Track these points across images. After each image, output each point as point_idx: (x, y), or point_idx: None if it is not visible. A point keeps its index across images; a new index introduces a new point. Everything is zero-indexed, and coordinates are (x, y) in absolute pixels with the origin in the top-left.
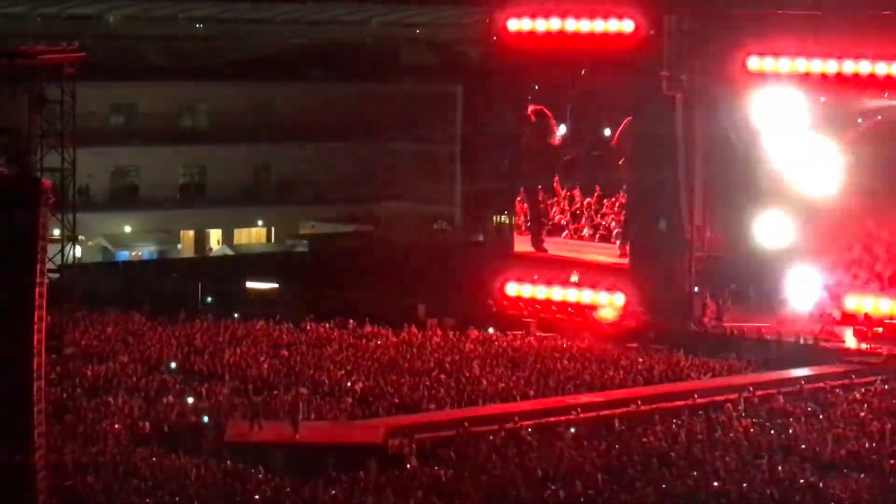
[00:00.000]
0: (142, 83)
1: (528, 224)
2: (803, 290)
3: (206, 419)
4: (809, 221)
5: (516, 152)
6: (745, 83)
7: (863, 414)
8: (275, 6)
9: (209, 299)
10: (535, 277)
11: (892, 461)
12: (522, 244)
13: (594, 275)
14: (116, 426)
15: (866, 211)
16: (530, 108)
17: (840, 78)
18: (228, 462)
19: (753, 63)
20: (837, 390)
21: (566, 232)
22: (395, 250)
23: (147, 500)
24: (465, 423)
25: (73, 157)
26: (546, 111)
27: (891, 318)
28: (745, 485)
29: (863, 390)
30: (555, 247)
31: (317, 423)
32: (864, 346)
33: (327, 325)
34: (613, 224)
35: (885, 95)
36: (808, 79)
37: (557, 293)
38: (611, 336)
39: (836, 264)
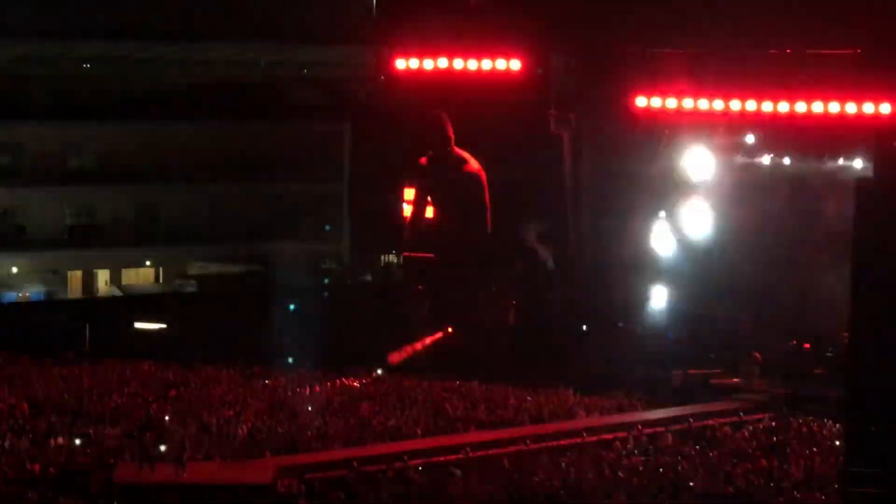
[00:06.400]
0: (28, 123)
1: None
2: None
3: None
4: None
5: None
6: (633, 122)
7: (751, 451)
8: (163, 45)
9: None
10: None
11: (781, 498)
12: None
13: None
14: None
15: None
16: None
17: (727, 117)
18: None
19: (640, 102)
20: (726, 427)
21: None
22: (284, 290)
23: None
24: (355, 463)
25: None
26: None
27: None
28: None
29: (751, 427)
30: None
31: (206, 462)
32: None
33: (216, 365)
34: None
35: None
36: (694, 118)
37: None
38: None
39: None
